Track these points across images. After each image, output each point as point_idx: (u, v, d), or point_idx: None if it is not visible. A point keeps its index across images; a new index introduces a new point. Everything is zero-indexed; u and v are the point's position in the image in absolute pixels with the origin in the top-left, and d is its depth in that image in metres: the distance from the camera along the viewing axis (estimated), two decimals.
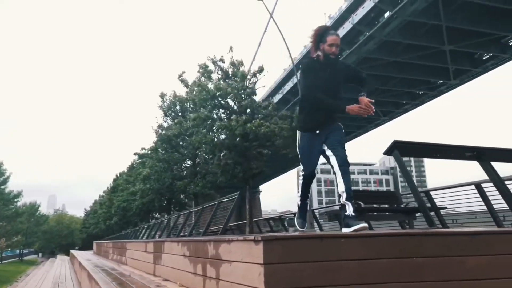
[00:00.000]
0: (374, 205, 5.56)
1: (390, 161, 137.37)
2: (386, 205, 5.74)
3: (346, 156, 3.31)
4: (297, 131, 3.62)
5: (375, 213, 5.42)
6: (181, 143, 26.83)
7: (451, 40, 30.35)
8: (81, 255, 13.17)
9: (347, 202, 3.15)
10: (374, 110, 3.34)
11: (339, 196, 3.23)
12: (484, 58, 34.63)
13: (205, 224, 9.01)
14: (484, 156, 4.09)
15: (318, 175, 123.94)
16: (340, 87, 3.43)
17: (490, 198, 6.75)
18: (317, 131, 3.43)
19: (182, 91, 29.98)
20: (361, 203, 5.48)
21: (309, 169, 3.49)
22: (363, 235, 2.00)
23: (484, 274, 1.85)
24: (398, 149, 3.74)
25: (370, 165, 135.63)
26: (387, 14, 30.18)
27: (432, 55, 32.97)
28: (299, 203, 3.76)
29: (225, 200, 8.27)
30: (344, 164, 3.24)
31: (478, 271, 1.87)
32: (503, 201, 6.52)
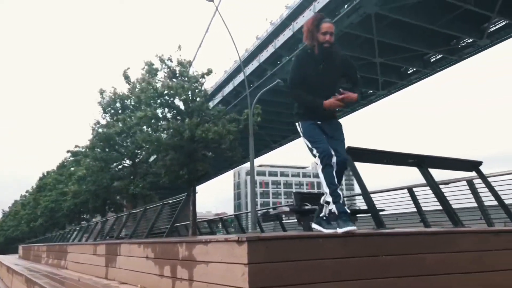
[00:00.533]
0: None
1: None
2: None
3: (348, 158, 3.21)
4: (297, 123, 3.33)
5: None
6: (121, 142, 25.70)
7: (381, 53, 32.54)
8: (7, 260, 12.12)
9: (325, 204, 3.02)
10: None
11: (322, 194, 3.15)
12: (409, 72, 37.60)
13: (147, 226, 8.80)
14: (423, 163, 4.53)
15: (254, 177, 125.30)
16: (335, 82, 3.20)
17: (420, 200, 7.38)
18: (319, 122, 3.20)
19: (123, 88, 28.87)
20: (309, 204, 5.74)
21: (322, 146, 3.04)
22: (340, 235, 2.16)
23: (440, 270, 2.11)
24: (351, 154, 3.99)
25: (303, 168, 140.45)
26: None
27: (365, 66, 35.11)
28: (330, 198, 3.01)
29: (170, 201, 8.16)
30: (344, 165, 3.10)
31: (435, 267, 2.12)
32: (431, 203, 7.19)
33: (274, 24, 36.89)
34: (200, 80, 20.57)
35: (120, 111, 26.85)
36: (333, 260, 2.01)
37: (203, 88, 21.09)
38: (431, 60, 35.48)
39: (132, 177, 24.11)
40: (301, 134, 3.28)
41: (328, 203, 2.98)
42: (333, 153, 3.03)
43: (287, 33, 33.57)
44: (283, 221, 11.05)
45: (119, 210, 26.43)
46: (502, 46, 32.34)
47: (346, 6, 30.06)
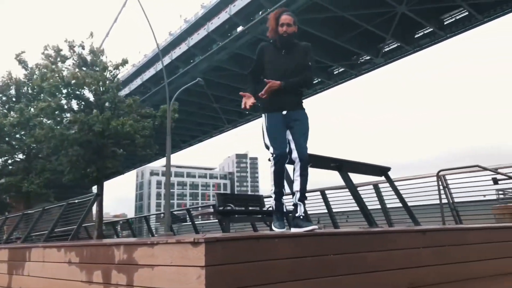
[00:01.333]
0: (245, 208, 5.90)
1: (229, 166, 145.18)
2: (253, 208, 6.15)
3: (306, 153, 3.14)
4: (263, 114, 3.30)
5: (245, 216, 5.77)
6: (14, 134, 22.60)
7: None
8: None
9: (299, 202, 3.06)
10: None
11: (293, 194, 3.12)
12: (314, 83, 40.10)
13: (46, 228, 7.96)
14: (343, 167, 4.84)
15: (158, 177, 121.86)
16: (297, 68, 3.25)
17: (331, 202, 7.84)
18: (284, 112, 3.20)
19: (19, 73, 25.59)
20: (232, 205, 5.74)
21: (279, 149, 3.08)
22: (295, 235, 2.18)
23: (381, 266, 2.26)
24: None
25: (210, 169, 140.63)
26: (240, 28, 32.13)
27: None
28: (273, 196, 3.19)
29: (76, 201, 7.48)
30: (305, 160, 3.10)
31: (376, 264, 2.27)
32: (342, 204, 7.71)
33: (188, 21, 36.35)
34: (114, 71, 19.22)
35: (14, 99, 23.76)
36: (288, 260, 2.02)
37: (116, 80, 19.74)
38: (335, 72, 38.27)
39: (26, 173, 21.38)
40: (264, 126, 3.27)
41: (271, 197, 3.22)
42: (295, 154, 3.11)
43: (202, 33, 33.35)
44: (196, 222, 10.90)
45: (4, 210, 23.31)
46: (394, 65, 36.16)
47: (260, 12, 30.96)
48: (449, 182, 6.26)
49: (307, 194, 3.19)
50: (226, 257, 1.88)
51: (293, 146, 3.12)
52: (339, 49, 33.05)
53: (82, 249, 2.70)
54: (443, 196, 6.28)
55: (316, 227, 2.83)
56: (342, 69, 37.12)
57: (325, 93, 41.42)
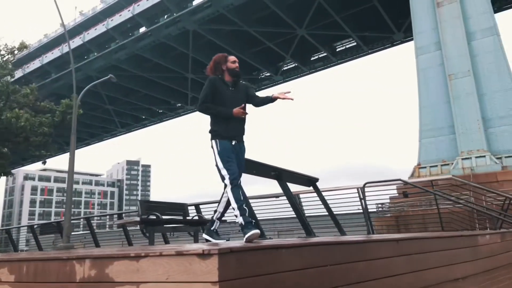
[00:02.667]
0: (170, 217, 5.50)
1: (118, 173, 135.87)
2: (178, 217, 5.79)
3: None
4: (214, 140, 3.53)
5: (173, 225, 5.37)
6: None
7: (194, 70, 33.86)
8: None
9: (216, 220, 3.70)
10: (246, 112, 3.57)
11: (215, 211, 3.72)
12: None
13: None
14: (282, 176, 4.86)
15: (34, 182, 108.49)
16: (242, 102, 3.61)
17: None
18: (233, 142, 3.54)
19: None
20: (159, 214, 5.33)
21: (233, 171, 3.40)
22: (302, 244, 2.02)
23: (369, 275, 2.26)
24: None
25: (97, 175, 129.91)
26: (143, 29, 30.82)
27: (176, 79, 35.75)
28: (240, 211, 3.33)
29: None
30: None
31: (366, 273, 2.26)
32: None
33: (85, 15, 33.59)
34: (7, 56, 16.39)
35: None
36: (295, 272, 1.89)
37: (10, 66, 16.91)
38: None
39: None
40: (215, 152, 3.49)
41: (236, 216, 3.32)
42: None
43: (100, 28, 31.09)
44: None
45: None
46: (292, 83, 38.35)
47: (166, 16, 30.16)
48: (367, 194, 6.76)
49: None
50: (240, 271, 1.66)
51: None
52: (241, 63, 33.69)
53: (21, 264, 2.15)
54: (369, 205, 6.75)
55: (258, 231, 3.08)
56: (243, 83, 38.08)
57: None
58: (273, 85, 37.38)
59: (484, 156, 18.86)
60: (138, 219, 4.76)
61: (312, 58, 34.49)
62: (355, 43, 32.18)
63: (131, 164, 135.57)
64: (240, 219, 3.22)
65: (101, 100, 37.72)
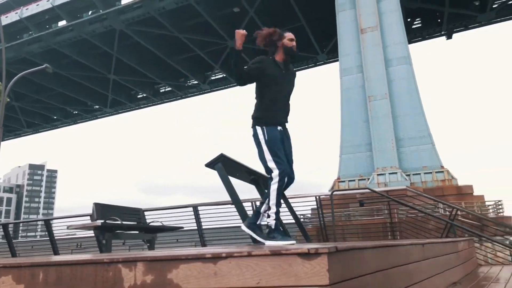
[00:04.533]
0: (129, 222, 5.01)
1: (18, 178, 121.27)
2: (134, 223, 5.31)
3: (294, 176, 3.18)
4: (259, 127, 3.03)
5: (133, 232, 4.90)
6: None
7: (117, 71, 32.15)
8: None
9: (264, 213, 3.05)
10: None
11: (261, 203, 3.08)
12: (139, 96, 38.63)
13: None
14: (259, 180, 4.77)
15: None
16: (291, 91, 3.24)
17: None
18: (279, 128, 3.10)
19: None
20: (118, 219, 4.87)
21: (285, 163, 2.96)
22: (379, 245, 1.93)
23: (417, 277, 2.29)
24: (223, 163, 3.78)
25: None
26: (63, 23, 28.49)
27: (97, 79, 33.57)
28: (274, 216, 2.94)
29: None
30: (292, 181, 3.14)
31: (414, 274, 2.29)
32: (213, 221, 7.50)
33: None
34: None
35: None
36: (377, 273, 1.82)
37: None
38: (161, 91, 37.88)
39: None
40: (262, 141, 3.01)
41: (269, 216, 2.97)
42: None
43: (13, 17, 28.04)
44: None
45: None
46: (220, 93, 38.39)
47: (90, 12, 28.32)
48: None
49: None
50: (345, 273, 1.54)
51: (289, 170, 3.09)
52: (169, 69, 33.08)
53: (36, 270, 1.73)
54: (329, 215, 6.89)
55: (294, 241, 2.88)
56: (169, 89, 37.11)
57: (150, 109, 40.32)
58: (200, 93, 37.04)
59: (396, 173, 20.68)
60: (99, 223, 4.27)
61: None
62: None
63: (35, 169, 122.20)
64: (272, 223, 2.90)
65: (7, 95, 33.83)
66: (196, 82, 35.56)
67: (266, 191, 3.08)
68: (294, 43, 3.20)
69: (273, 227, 2.88)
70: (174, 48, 30.63)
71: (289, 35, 3.23)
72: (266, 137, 2.98)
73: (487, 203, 18.58)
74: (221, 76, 35.34)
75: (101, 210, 4.93)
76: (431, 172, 20.50)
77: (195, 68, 33.78)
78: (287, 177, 2.99)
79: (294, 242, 2.83)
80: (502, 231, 7.01)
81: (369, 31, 22.18)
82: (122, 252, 4.74)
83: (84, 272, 1.74)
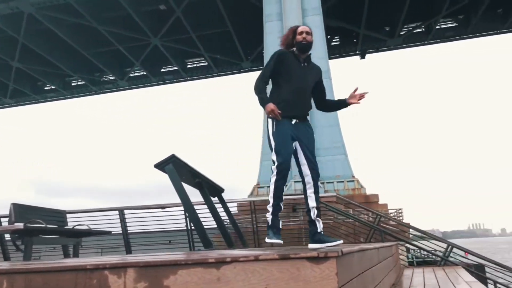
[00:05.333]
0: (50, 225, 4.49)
1: None
2: (56, 226, 4.80)
3: (317, 168, 3.03)
4: (269, 118, 2.98)
5: (55, 236, 4.36)
6: None
7: (22, 58, 29.07)
8: None
9: (317, 218, 2.94)
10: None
11: (308, 211, 2.95)
12: (46, 88, 35.33)
13: None
14: (203, 184, 4.65)
15: None
16: (311, 87, 3.15)
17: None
18: (293, 121, 3.01)
19: None
20: (42, 221, 4.38)
21: (284, 158, 2.85)
22: (363, 249, 1.93)
23: (380, 276, 2.36)
24: (174, 164, 3.64)
25: None
26: None
27: None
28: (271, 209, 2.89)
29: None
30: (318, 177, 3.02)
31: (378, 275, 2.37)
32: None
33: None
34: None
35: None
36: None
37: None
38: (73, 84, 35.11)
39: None
40: (270, 132, 3.00)
41: (268, 210, 2.93)
42: (306, 169, 2.98)
43: None
44: None
45: None
46: (138, 91, 36.61)
47: None
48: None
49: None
50: (348, 275, 1.54)
51: (303, 160, 2.98)
52: (84, 61, 30.84)
53: (10, 278, 1.40)
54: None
55: (341, 241, 2.76)
56: (82, 83, 34.55)
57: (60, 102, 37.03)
58: (117, 90, 35.12)
59: None
60: (21, 226, 3.77)
61: (162, 70, 33.92)
62: (206, 63, 33.20)
63: None
64: (269, 217, 2.85)
65: None
66: (113, 77, 33.64)
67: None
68: (304, 35, 3.10)
69: (269, 223, 2.87)
70: (92, 39, 28.67)
71: (300, 28, 3.14)
72: (274, 129, 2.96)
73: (390, 211, 20.45)
74: (141, 73, 33.92)
75: (19, 211, 4.40)
76: (343, 181, 21.94)
77: (113, 63, 31.99)
78: (304, 175, 2.95)
79: (280, 242, 2.85)
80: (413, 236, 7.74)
81: None
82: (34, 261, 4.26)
83: (60, 280, 1.52)
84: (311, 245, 2.80)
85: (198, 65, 33.90)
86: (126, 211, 7.14)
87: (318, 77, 3.23)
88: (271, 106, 2.91)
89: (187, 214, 6.68)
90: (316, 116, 22.05)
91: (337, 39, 31.25)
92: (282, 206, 2.92)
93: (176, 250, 7.41)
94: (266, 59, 25.31)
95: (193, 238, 7.18)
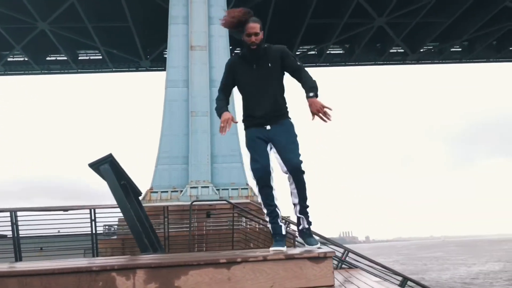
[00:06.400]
0: None
1: None
2: None
3: (300, 161, 2.80)
4: (245, 130, 2.99)
5: None
6: None
7: None
8: None
9: (300, 215, 2.77)
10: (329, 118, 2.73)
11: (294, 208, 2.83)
12: None
13: None
14: (128, 186, 4.47)
15: None
16: (274, 81, 2.93)
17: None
18: (267, 127, 2.89)
19: None
20: None
21: (257, 165, 2.77)
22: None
23: None
24: (110, 164, 3.51)
25: None
26: None
27: None
28: (267, 218, 2.77)
29: None
30: (296, 168, 2.78)
31: None
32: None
33: None
34: None
35: None
36: None
37: None
38: None
39: None
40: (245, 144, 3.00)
41: (267, 221, 2.84)
42: (283, 166, 2.82)
43: None
44: None
45: None
46: (18, 78, 32.38)
47: None
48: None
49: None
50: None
51: (279, 160, 2.85)
52: None
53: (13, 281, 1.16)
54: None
55: (284, 248, 2.50)
56: None
57: None
58: None
59: (208, 187, 21.93)
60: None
61: (48, 58, 30.70)
62: (100, 57, 31.09)
63: None
64: (269, 226, 2.74)
65: None
66: None
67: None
68: (252, 39, 2.85)
69: (271, 231, 2.75)
70: None
71: (250, 27, 2.85)
72: (245, 141, 2.96)
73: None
74: (22, 59, 30.21)
75: None
76: (237, 188, 22.54)
77: None
78: (284, 172, 2.83)
79: (282, 249, 2.49)
80: None
81: (198, 49, 23.16)
82: None
83: (61, 283, 1.39)
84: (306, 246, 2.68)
85: (91, 57, 31.58)
86: (20, 213, 6.43)
87: (278, 63, 2.95)
88: (224, 116, 2.87)
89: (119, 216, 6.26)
90: (218, 123, 22.30)
91: (239, 51, 32.17)
92: (279, 212, 2.82)
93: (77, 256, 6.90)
94: (170, 61, 24.86)
95: (97, 243, 6.78)
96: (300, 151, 2.87)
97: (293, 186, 2.81)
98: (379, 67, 34.22)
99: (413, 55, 30.44)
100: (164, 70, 31.03)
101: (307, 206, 2.83)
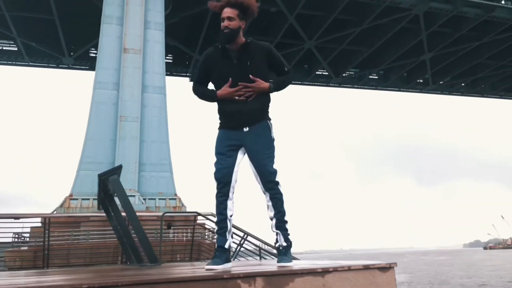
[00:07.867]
0: None
1: None
2: None
3: (275, 171, 2.63)
4: (218, 129, 2.76)
5: None
6: None
7: None
8: None
9: (276, 231, 2.59)
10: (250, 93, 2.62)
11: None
12: None
13: None
14: (113, 196, 4.39)
15: None
16: (255, 75, 2.66)
17: None
18: (246, 129, 2.68)
19: None
20: None
21: (218, 169, 2.60)
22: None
23: None
24: (118, 175, 3.52)
25: None
26: None
27: None
28: (216, 227, 2.61)
29: None
30: (270, 180, 2.61)
31: None
32: None
33: None
34: None
35: None
36: None
37: None
38: None
39: None
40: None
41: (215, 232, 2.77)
42: (257, 177, 2.66)
43: None
44: None
45: None
46: None
47: None
48: None
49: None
50: None
51: (252, 168, 2.66)
52: None
53: None
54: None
55: (292, 264, 2.37)
56: None
57: None
58: None
59: (134, 196, 21.13)
60: None
61: None
62: (16, 49, 28.42)
63: None
64: (216, 237, 2.64)
65: None
66: None
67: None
68: (225, 23, 2.62)
69: (216, 243, 2.59)
70: None
71: (224, 12, 2.65)
72: (216, 142, 2.74)
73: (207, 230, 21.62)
74: None
75: None
76: (165, 199, 22.01)
77: None
78: (257, 182, 2.67)
79: (215, 268, 2.36)
80: None
81: (132, 53, 22.44)
82: None
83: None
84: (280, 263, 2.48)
85: (4, 48, 28.68)
86: None
87: (263, 62, 2.75)
88: (222, 91, 2.66)
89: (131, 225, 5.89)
90: (148, 130, 21.67)
91: (171, 57, 31.77)
92: (228, 224, 2.60)
93: None
94: (100, 61, 23.76)
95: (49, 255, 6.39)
96: (274, 159, 2.69)
97: (268, 198, 2.65)
98: (306, 87, 36.16)
99: (336, 78, 32.81)
100: (89, 69, 29.47)
101: (285, 222, 2.64)
